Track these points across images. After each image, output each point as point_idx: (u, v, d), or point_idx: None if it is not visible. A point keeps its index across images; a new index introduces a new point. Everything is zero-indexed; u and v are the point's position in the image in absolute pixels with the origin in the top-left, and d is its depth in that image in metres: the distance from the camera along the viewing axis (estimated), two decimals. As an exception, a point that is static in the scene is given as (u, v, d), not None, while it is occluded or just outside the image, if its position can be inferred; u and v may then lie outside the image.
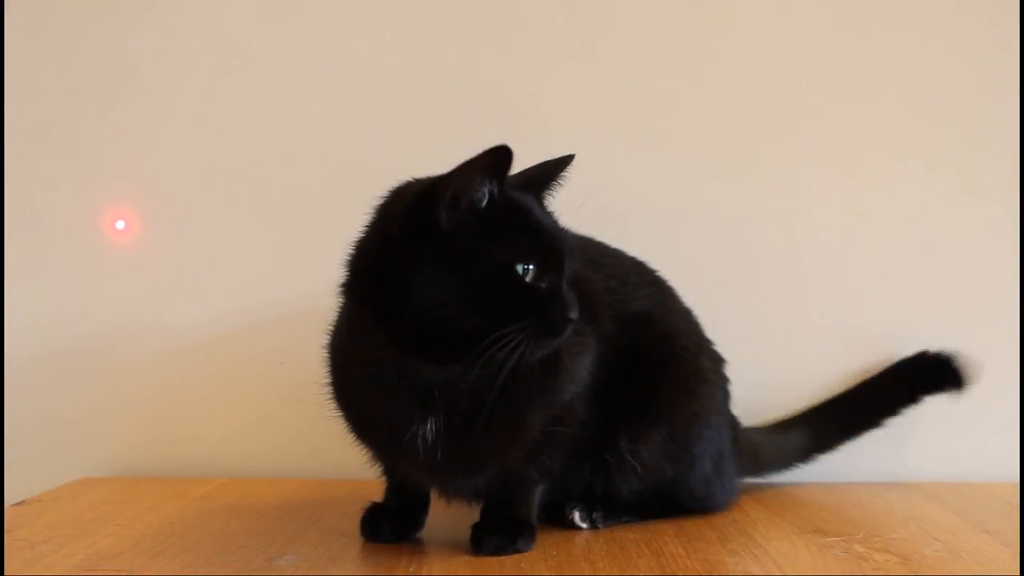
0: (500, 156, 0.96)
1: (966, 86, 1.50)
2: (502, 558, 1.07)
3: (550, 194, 1.08)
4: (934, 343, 1.49)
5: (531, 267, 0.99)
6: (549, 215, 1.06)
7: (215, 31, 1.54)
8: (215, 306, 1.55)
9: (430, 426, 1.03)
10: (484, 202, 0.99)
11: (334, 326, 1.13)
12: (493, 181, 0.98)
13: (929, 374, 1.44)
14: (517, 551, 1.09)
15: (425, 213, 0.98)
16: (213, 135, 1.55)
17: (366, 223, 1.06)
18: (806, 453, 1.43)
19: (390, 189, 1.06)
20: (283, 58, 1.53)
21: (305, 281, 1.48)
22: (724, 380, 1.31)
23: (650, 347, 1.21)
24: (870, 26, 1.51)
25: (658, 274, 1.31)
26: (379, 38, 1.53)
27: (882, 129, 1.52)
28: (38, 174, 1.55)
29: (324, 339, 1.14)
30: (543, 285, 1.00)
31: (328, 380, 1.13)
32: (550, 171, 1.08)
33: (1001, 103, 1.49)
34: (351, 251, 1.06)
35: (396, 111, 1.52)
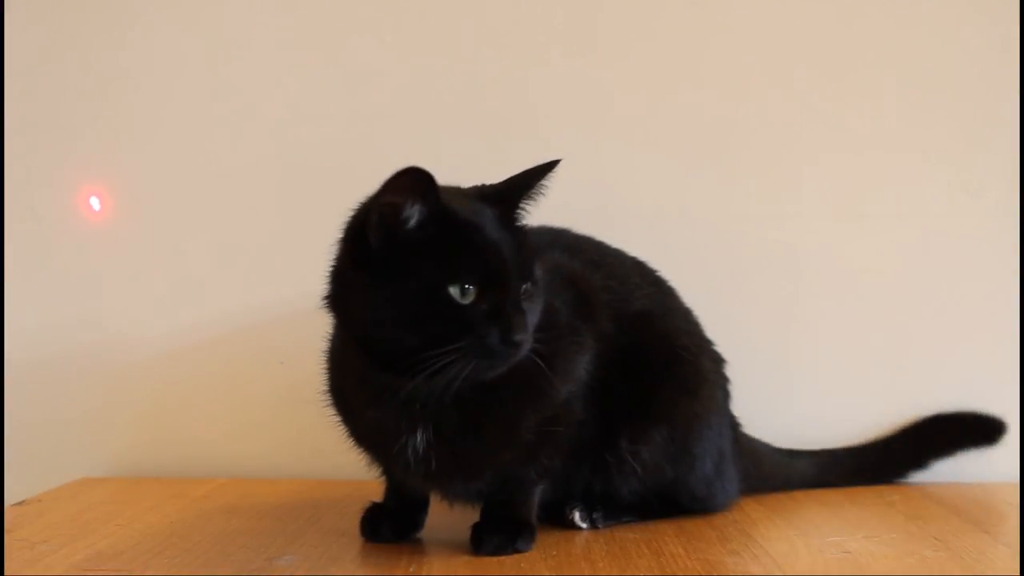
0: (412, 178, 0.95)
1: (966, 85, 1.50)
2: (502, 558, 1.07)
3: (533, 201, 1.06)
4: (934, 343, 1.50)
5: (470, 288, 0.97)
6: (507, 231, 1.02)
7: (215, 31, 1.54)
8: (215, 306, 1.55)
9: (419, 437, 1.03)
10: (413, 222, 0.97)
11: (333, 332, 1.14)
12: (418, 201, 0.96)
13: (952, 435, 1.45)
14: (517, 551, 1.09)
15: (360, 233, 1.00)
16: (213, 135, 1.54)
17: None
18: (806, 483, 1.41)
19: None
20: (283, 58, 1.53)
21: (305, 281, 1.47)
22: (724, 380, 1.31)
23: (650, 347, 1.20)
24: (870, 25, 1.51)
25: (658, 274, 1.31)
26: (379, 38, 1.52)
27: (882, 129, 1.51)
28: (38, 174, 1.55)
29: (324, 340, 1.15)
30: (483, 306, 0.97)
31: (326, 387, 1.14)
32: (532, 178, 1.05)
33: (1001, 103, 1.49)
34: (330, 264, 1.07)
35: (396, 111, 1.52)
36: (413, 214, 0.97)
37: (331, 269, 1.05)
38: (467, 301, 0.97)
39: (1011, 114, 1.49)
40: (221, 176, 1.54)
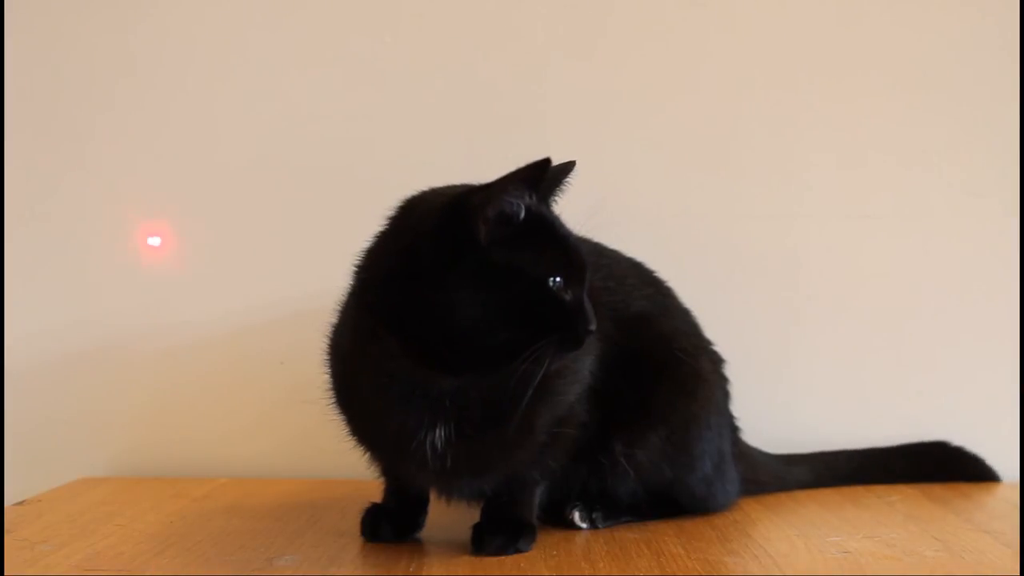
0: (543, 168, 0.96)
1: (967, 87, 1.50)
2: (502, 558, 1.07)
3: (553, 201, 1.07)
4: (934, 343, 1.50)
5: (560, 280, 0.99)
6: (565, 226, 1.05)
7: (216, 31, 1.54)
8: (215, 306, 1.55)
9: (439, 433, 1.03)
10: (521, 215, 0.99)
11: (335, 330, 1.13)
12: (532, 194, 0.99)
13: (951, 467, 1.44)
14: (518, 551, 1.09)
15: (459, 227, 0.97)
16: (214, 136, 1.55)
17: (380, 232, 1.05)
18: (802, 486, 1.41)
19: (404, 200, 1.05)
20: (284, 59, 1.53)
21: (305, 282, 1.49)
22: (724, 381, 1.31)
23: (649, 349, 1.20)
24: (870, 26, 1.51)
25: (656, 275, 1.31)
26: (379, 38, 1.53)
27: (883, 129, 1.52)
28: (38, 175, 1.55)
29: (324, 340, 1.14)
30: (568, 297, 1.00)
31: (330, 385, 1.13)
32: (554, 178, 1.06)
33: (1001, 103, 1.49)
34: (363, 260, 1.05)
35: (396, 111, 1.52)
36: (522, 207, 0.99)
37: (371, 264, 1.04)
38: (562, 292, 1.00)
39: (1011, 114, 1.49)
40: (221, 176, 1.54)
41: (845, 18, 1.51)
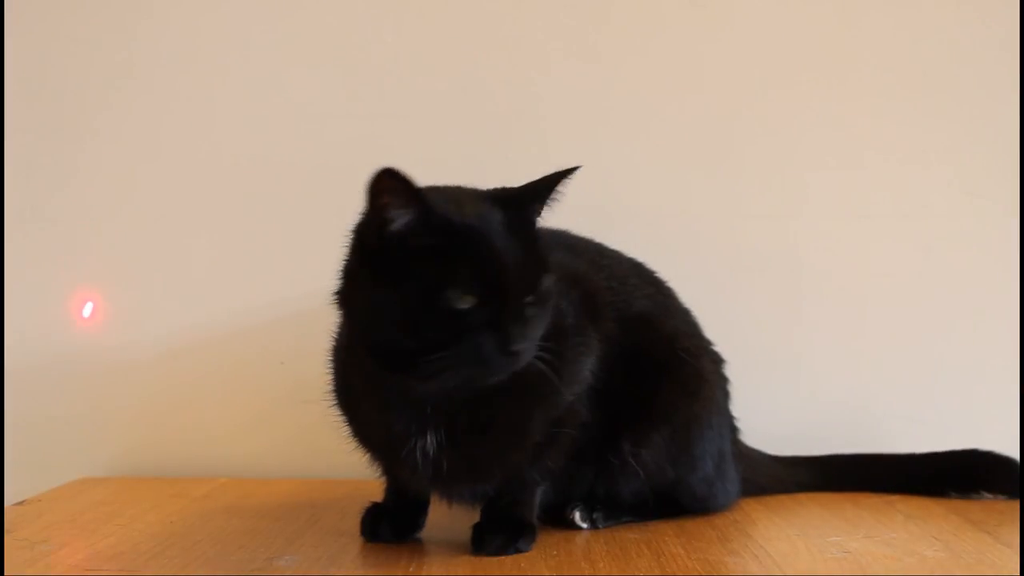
0: (388, 181, 0.94)
1: (966, 86, 1.50)
2: (502, 558, 1.07)
3: (548, 207, 1.05)
4: (934, 343, 1.50)
5: (468, 294, 0.95)
6: (515, 237, 0.99)
7: (215, 32, 1.54)
8: (215, 306, 1.55)
9: (430, 439, 1.03)
10: (401, 225, 0.96)
11: (338, 331, 1.13)
12: (404, 205, 0.95)
13: (971, 476, 1.36)
14: (518, 551, 1.09)
15: (363, 232, 1.00)
16: (213, 136, 1.54)
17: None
18: (803, 489, 1.38)
19: None
20: (283, 59, 1.53)
21: (305, 282, 1.47)
22: (724, 380, 1.31)
23: (651, 349, 1.20)
24: (869, 26, 1.51)
25: (657, 275, 1.31)
26: (379, 38, 1.52)
27: (882, 129, 1.52)
28: (38, 175, 1.55)
29: (325, 340, 1.14)
30: (483, 314, 0.95)
31: (332, 386, 1.14)
32: (549, 184, 1.03)
33: (1001, 103, 1.49)
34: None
35: (397, 111, 1.52)
36: (399, 216, 0.96)
37: (343, 265, 1.05)
38: (465, 307, 0.95)
39: (1011, 114, 1.49)
40: (221, 176, 1.54)
41: (845, 18, 1.51)
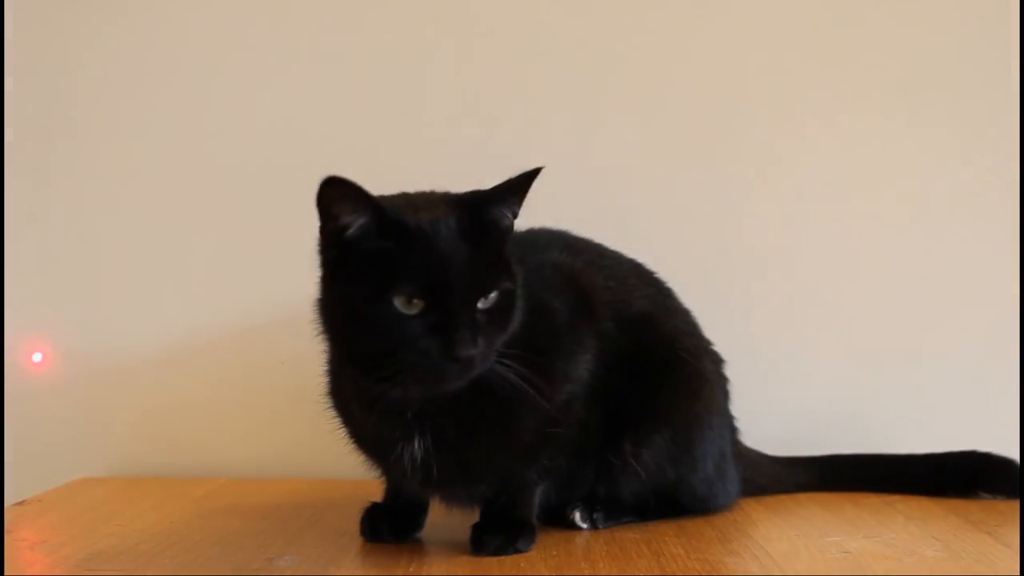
0: (336, 188, 0.95)
1: (967, 86, 1.50)
2: (502, 558, 1.07)
3: (507, 209, 1.02)
4: (934, 343, 1.50)
5: (414, 299, 0.95)
6: (467, 241, 0.97)
7: (214, 32, 1.54)
8: (215, 307, 1.55)
9: (417, 444, 1.03)
10: (354, 230, 0.96)
11: None
12: (355, 210, 0.96)
13: (972, 478, 1.35)
14: (517, 551, 1.09)
15: (322, 243, 1.01)
16: (213, 136, 1.54)
17: None
18: (803, 489, 1.38)
19: None
20: (282, 58, 1.53)
21: (305, 283, 1.48)
22: (724, 380, 1.30)
23: (652, 349, 1.20)
24: (869, 25, 1.51)
25: (656, 275, 1.31)
26: (379, 38, 1.52)
27: (883, 129, 1.51)
28: (38, 175, 1.55)
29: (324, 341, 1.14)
30: (429, 319, 0.95)
31: (327, 390, 1.14)
32: (511, 187, 1.01)
33: (1001, 103, 1.49)
34: None
35: (395, 111, 1.52)
36: (354, 221, 0.96)
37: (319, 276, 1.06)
38: (412, 312, 0.95)
39: (1011, 115, 1.49)
40: (221, 176, 1.54)
41: (845, 18, 1.51)
